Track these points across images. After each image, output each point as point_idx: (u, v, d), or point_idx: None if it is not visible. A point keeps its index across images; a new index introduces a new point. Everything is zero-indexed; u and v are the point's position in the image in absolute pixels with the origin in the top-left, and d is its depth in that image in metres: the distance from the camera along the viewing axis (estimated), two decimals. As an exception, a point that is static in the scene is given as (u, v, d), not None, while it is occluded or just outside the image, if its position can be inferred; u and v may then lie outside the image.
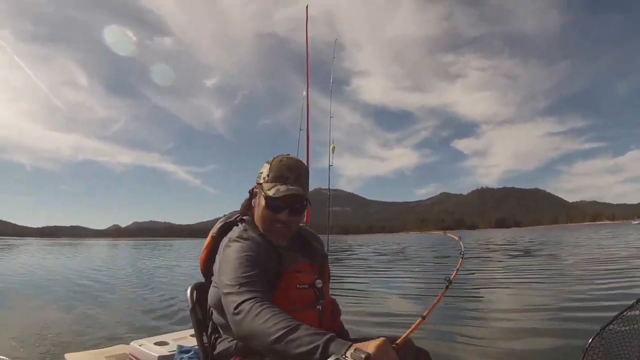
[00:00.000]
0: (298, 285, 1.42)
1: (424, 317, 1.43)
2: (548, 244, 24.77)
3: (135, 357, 2.53)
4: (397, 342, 1.16)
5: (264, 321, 1.10)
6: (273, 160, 1.51)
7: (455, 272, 1.72)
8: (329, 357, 0.97)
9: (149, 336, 2.84)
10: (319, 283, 1.50)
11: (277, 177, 1.46)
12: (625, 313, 1.50)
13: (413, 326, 1.34)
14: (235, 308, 1.18)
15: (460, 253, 1.98)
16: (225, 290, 1.26)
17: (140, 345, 2.55)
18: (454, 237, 2.43)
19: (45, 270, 15.61)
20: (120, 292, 9.17)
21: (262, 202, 1.47)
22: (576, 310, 5.52)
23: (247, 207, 1.60)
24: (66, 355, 2.89)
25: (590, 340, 1.54)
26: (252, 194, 1.57)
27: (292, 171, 1.47)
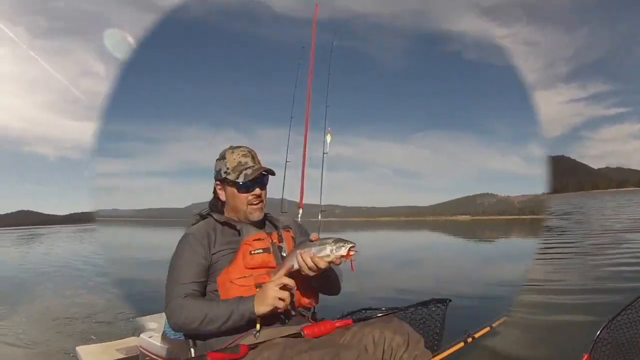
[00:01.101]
0: (252, 251, 1.57)
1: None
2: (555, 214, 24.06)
3: (145, 349, 2.58)
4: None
5: (188, 312, 1.43)
6: (225, 154, 1.68)
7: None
8: (245, 313, 1.40)
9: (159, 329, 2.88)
10: (279, 248, 1.65)
11: (238, 165, 1.64)
12: (634, 303, 1.43)
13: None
14: (166, 307, 1.50)
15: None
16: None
17: (150, 337, 2.60)
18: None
19: (61, 260, 15.18)
20: (133, 283, 8.79)
21: (234, 191, 1.65)
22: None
23: (215, 205, 1.74)
24: (77, 348, 2.98)
25: (599, 332, 1.49)
26: (217, 192, 1.73)
27: (247, 156, 1.67)
